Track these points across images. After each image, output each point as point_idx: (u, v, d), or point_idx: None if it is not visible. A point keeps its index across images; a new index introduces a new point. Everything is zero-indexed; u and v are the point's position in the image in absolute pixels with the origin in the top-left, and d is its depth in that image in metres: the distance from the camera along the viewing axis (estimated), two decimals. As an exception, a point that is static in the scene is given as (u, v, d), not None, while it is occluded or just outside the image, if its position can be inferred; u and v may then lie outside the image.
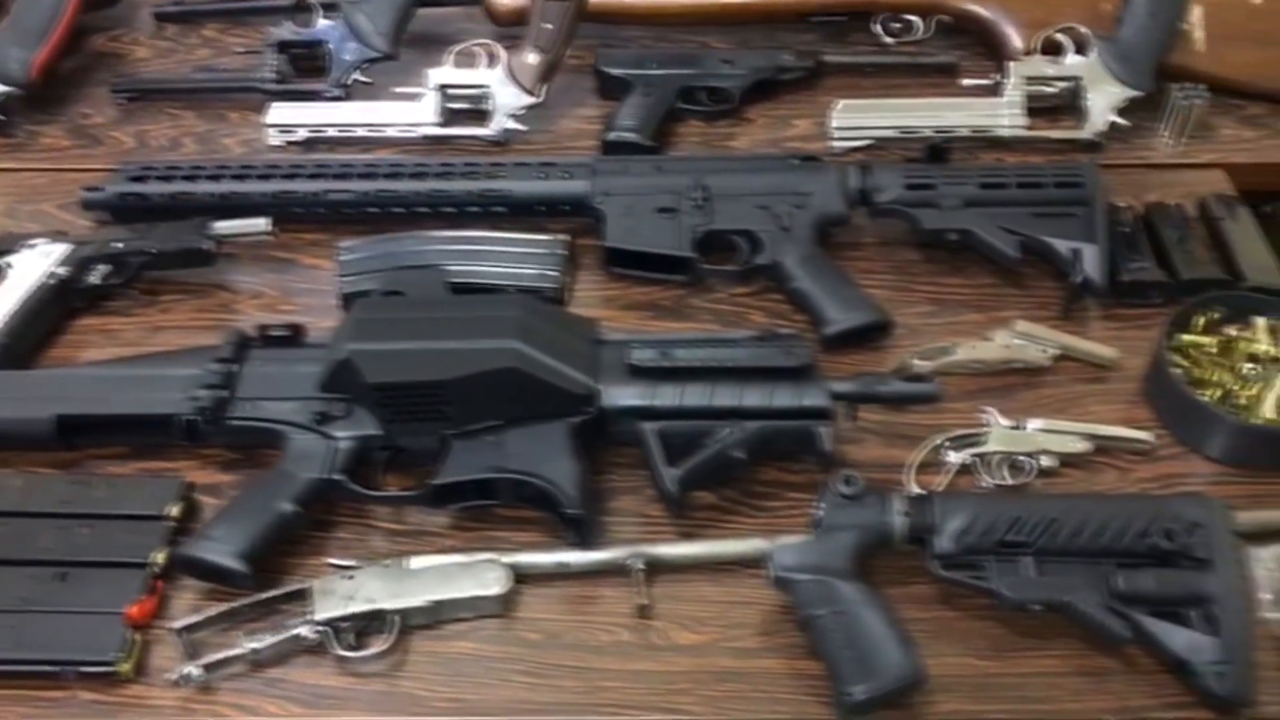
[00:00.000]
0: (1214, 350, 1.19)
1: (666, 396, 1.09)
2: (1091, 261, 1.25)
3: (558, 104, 1.54)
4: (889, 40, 1.58)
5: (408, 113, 1.48)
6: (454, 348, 1.06)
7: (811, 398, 1.09)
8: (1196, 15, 1.50)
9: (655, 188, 1.33)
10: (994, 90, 1.47)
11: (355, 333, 1.09)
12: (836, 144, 1.46)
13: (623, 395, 1.09)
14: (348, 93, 1.53)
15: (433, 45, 1.62)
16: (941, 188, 1.31)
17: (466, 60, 1.49)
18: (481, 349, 1.06)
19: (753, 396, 1.09)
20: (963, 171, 1.32)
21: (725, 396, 1.09)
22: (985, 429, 1.14)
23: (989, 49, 1.56)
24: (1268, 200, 1.51)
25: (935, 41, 1.60)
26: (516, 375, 1.05)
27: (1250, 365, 1.17)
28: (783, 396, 1.09)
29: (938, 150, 1.34)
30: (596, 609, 1.05)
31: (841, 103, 1.47)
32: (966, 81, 1.50)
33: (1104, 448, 1.15)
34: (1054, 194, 1.30)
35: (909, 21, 1.58)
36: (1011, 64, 1.46)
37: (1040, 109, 1.49)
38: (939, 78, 1.56)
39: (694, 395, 1.09)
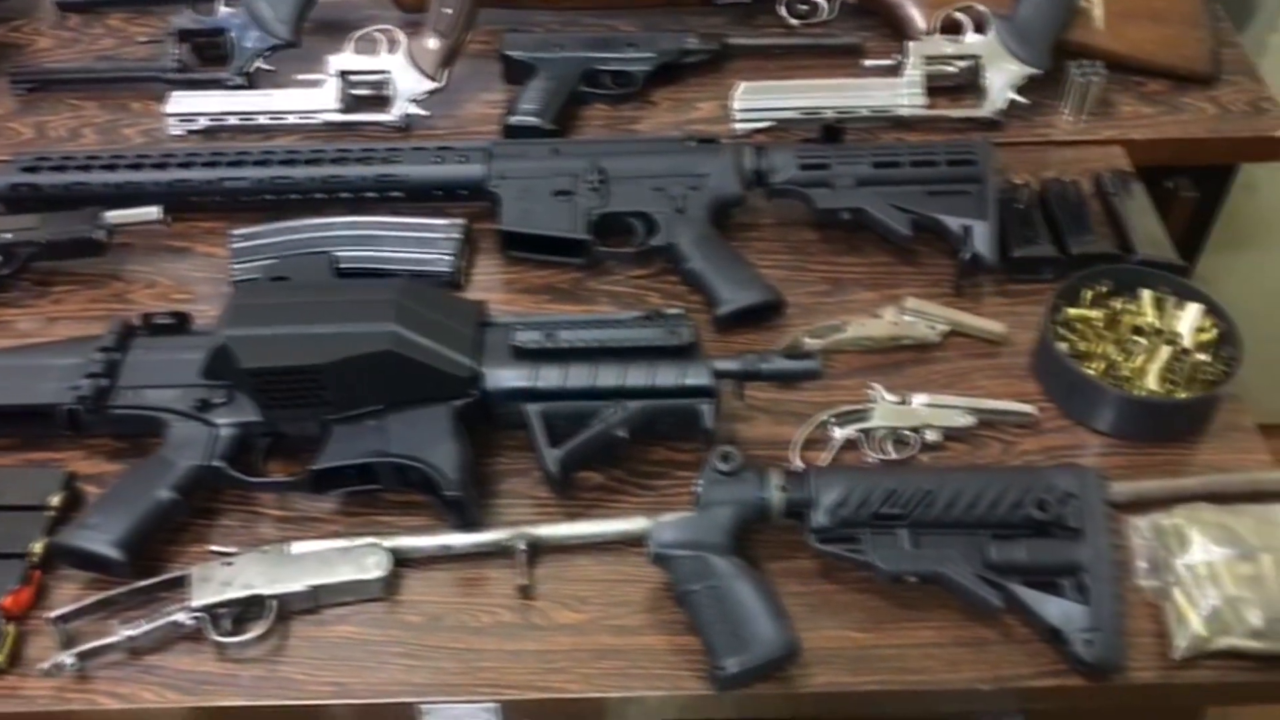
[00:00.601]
0: (1100, 323, 1.20)
1: (550, 378, 1.09)
2: (981, 238, 1.26)
3: (463, 89, 1.53)
4: (794, 22, 1.58)
5: (309, 100, 1.47)
6: (330, 331, 1.05)
7: (694, 376, 1.09)
8: (1095, -8, 1.52)
9: (552, 171, 1.33)
10: (895, 70, 1.48)
11: (233, 319, 1.08)
12: (739, 126, 1.46)
13: (506, 377, 1.09)
14: (250, 81, 1.52)
15: (337, 31, 1.60)
16: (835, 167, 1.32)
17: (368, 46, 1.48)
18: (358, 332, 1.05)
19: (636, 376, 1.09)
20: (856, 151, 1.33)
21: (609, 377, 1.09)
22: (871, 405, 1.15)
23: (893, 29, 1.57)
24: (1169, 175, 1.53)
25: (841, 22, 1.61)
26: (394, 358, 1.05)
27: (1135, 338, 1.18)
28: (666, 375, 1.09)
29: (832, 130, 1.34)
30: (481, 591, 1.05)
31: (742, 85, 1.47)
32: (868, 62, 1.51)
33: (988, 421, 1.16)
34: (947, 172, 1.31)
35: (814, 3, 1.59)
36: (911, 44, 1.47)
37: (942, 88, 1.50)
38: (844, 59, 1.56)
39: (577, 376, 1.09)
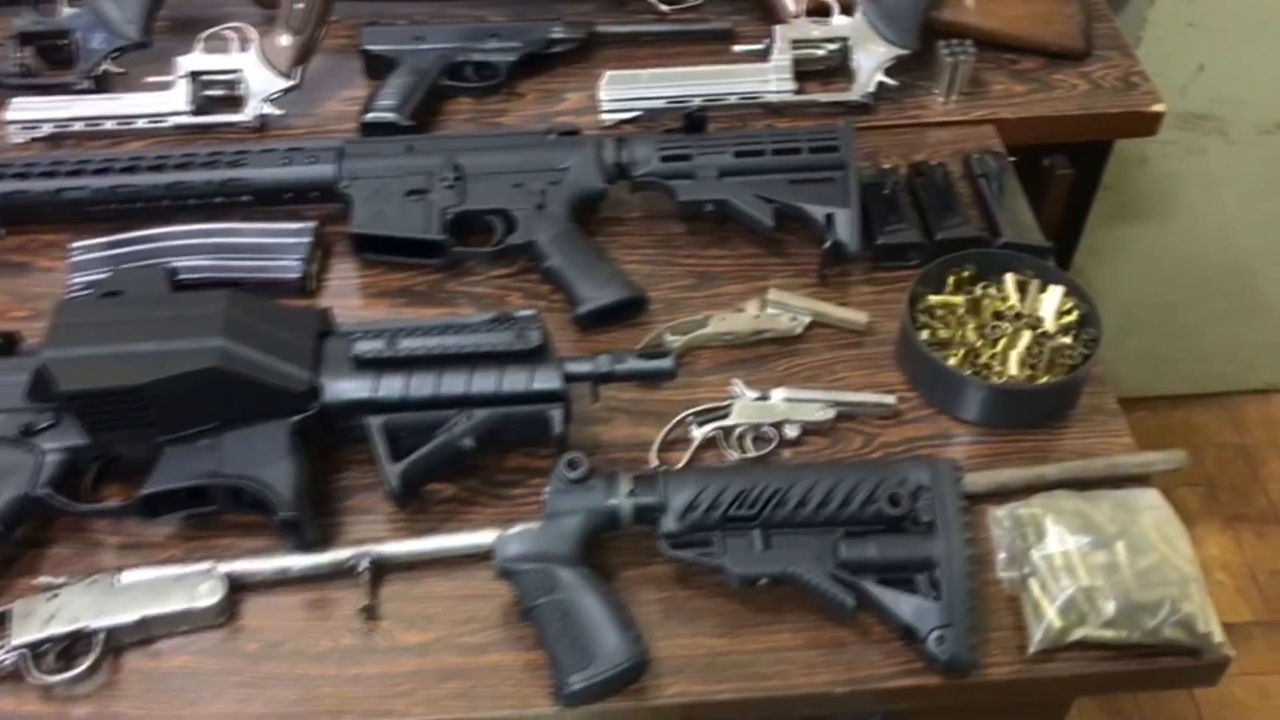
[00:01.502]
0: (962, 309, 1.18)
1: (391, 388, 1.05)
2: (844, 225, 1.24)
3: (322, 85, 1.48)
4: (665, 8, 1.54)
5: (158, 103, 1.41)
6: (153, 349, 1.00)
7: (543, 380, 1.06)
8: (965, -31, 1.49)
9: (405, 169, 1.28)
10: (765, 55, 1.45)
11: (53, 339, 1.03)
12: (605, 117, 1.43)
13: (346, 389, 1.05)
14: (99, 84, 1.46)
15: (193, 28, 1.54)
16: (697, 158, 1.28)
17: (219, 45, 1.43)
18: (183, 350, 1.01)
19: (482, 382, 1.05)
20: (719, 140, 1.30)
21: (453, 384, 1.05)
22: (731, 401, 1.12)
23: (765, 12, 1.54)
24: (1046, 153, 1.51)
25: (714, 7, 1.57)
26: (222, 375, 1.00)
27: (996, 323, 1.16)
28: (514, 380, 1.05)
29: (695, 120, 1.31)
30: (324, 614, 1.01)
31: (608, 74, 1.43)
32: (738, 48, 1.48)
33: (849, 414, 1.13)
34: (810, 159, 1.28)
35: (684, -12, 1.55)
36: (777, 28, 1.44)
37: (814, 72, 1.47)
38: (716, 44, 1.53)
39: (420, 385, 1.05)
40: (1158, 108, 1.45)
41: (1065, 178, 1.51)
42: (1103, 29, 1.54)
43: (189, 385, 1.00)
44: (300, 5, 1.41)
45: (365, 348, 1.06)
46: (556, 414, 1.05)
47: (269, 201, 1.30)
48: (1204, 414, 2.48)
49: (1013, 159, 1.43)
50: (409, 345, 1.06)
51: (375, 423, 1.04)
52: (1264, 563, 2.26)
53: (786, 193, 1.27)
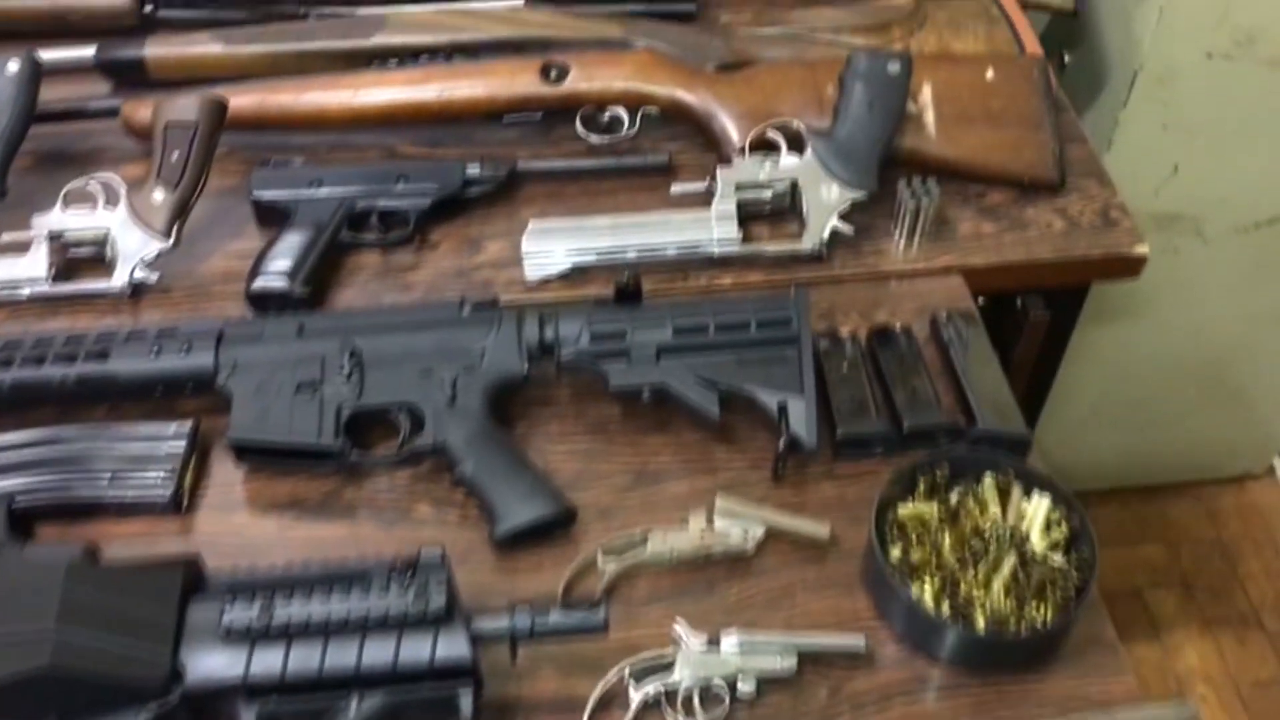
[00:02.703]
0: (936, 523, 1.03)
1: (266, 664, 0.88)
2: (800, 418, 1.08)
3: (207, 236, 1.31)
4: (595, 139, 1.38)
5: (12, 269, 1.23)
6: (-36, 646, 0.83)
7: (449, 646, 0.89)
8: (926, 94, 1.35)
9: (295, 357, 1.11)
10: (706, 197, 1.30)
11: None
12: (530, 274, 1.27)
13: (213, 667, 0.88)
14: (-54, 245, 1.28)
15: (66, 164, 1.38)
16: (631, 335, 1.13)
17: (84, 199, 1.25)
18: (4, 645, 0.83)
19: (376, 652, 0.88)
20: (655, 314, 1.14)
21: (341, 656, 0.88)
22: (674, 650, 0.97)
23: (706, 140, 1.38)
24: (1020, 292, 1.37)
25: (653, 132, 1.41)
26: (56, 675, 0.83)
27: (975, 541, 1.01)
28: (414, 648, 0.88)
29: (627, 290, 1.15)
30: None
31: (531, 224, 1.27)
32: (676, 188, 1.32)
33: (813, 656, 0.98)
34: (758, 335, 1.13)
35: (617, 115, 1.39)
36: (720, 171, 1.28)
37: (761, 214, 1.32)
38: (653, 178, 1.37)
39: (301, 659, 0.88)
40: (1140, 249, 1.32)
41: (1041, 323, 1.37)
42: (1077, 152, 1.40)
43: (13, 688, 0.82)
44: (176, 154, 1.23)
45: (236, 618, 0.88)
46: (465, 698, 0.88)
47: (137, 398, 1.12)
48: (1178, 505, 2.37)
49: (983, 300, 1.30)
50: (287, 614, 0.89)
51: (249, 712, 0.87)
52: (1247, 672, 2.14)
53: (734, 375, 1.12)
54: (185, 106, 1.23)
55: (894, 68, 1.28)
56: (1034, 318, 1.37)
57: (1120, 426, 2.18)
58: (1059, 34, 1.73)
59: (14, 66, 1.28)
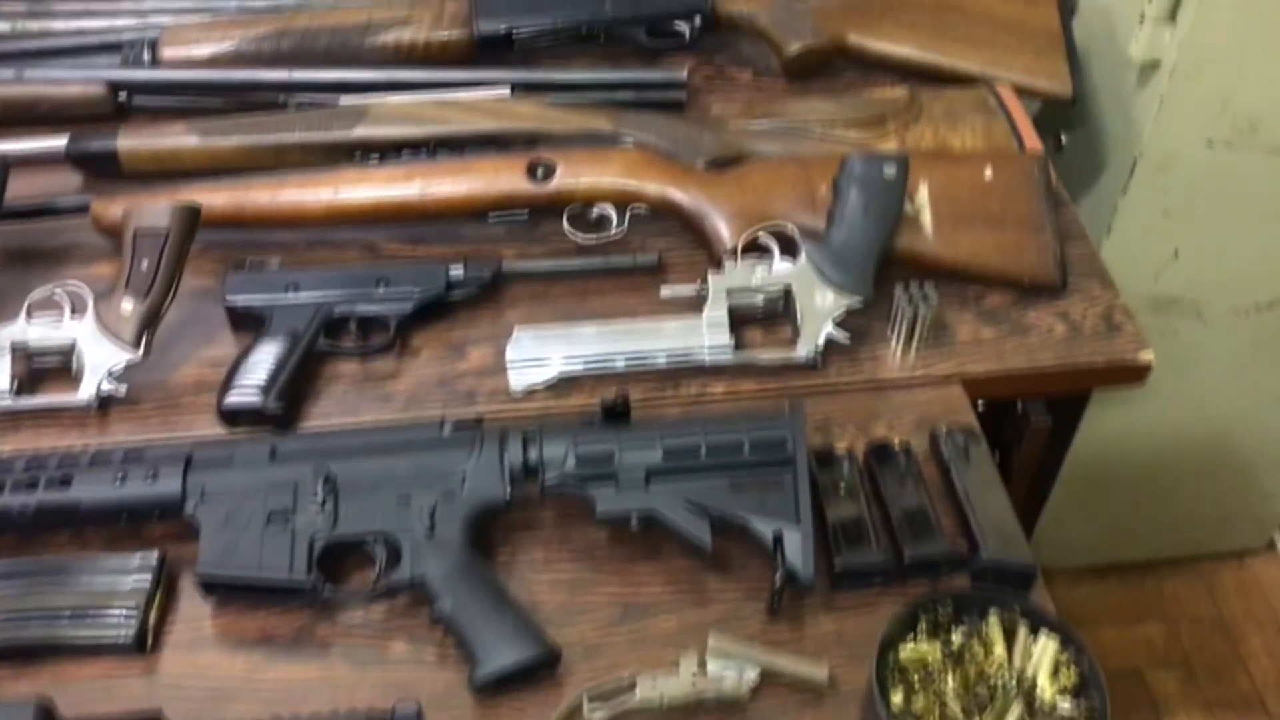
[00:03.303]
0: (938, 666, 0.98)
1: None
2: (796, 549, 1.03)
3: (179, 342, 1.26)
4: (582, 239, 1.34)
5: (-28, 382, 1.18)
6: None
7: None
8: (923, 195, 1.31)
9: (266, 483, 1.06)
10: (699, 300, 1.25)
11: None
12: (514, 385, 1.22)
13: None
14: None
15: (37, 264, 1.34)
16: (619, 458, 1.08)
17: (50, 306, 1.20)
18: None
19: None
20: (644, 434, 1.09)
21: (311, 831, 0.83)
22: (664, 809, 0.92)
23: (697, 239, 1.34)
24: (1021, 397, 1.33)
25: (644, 227, 1.37)
26: None
27: (980, 688, 0.96)
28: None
29: (615, 409, 1.10)
30: None
31: (516, 332, 1.23)
32: (666, 291, 1.27)
33: (811, 821, 0.93)
34: (751, 457, 1.08)
35: (605, 213, 1.35)
36: (710, 276, 1.24)
37: (755, 318, 1.28)
38: (642, 278, 1.33)
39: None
40: (1145, 357, 1.28)
41: (1042, 429, 1.33)
42: (1078, 250, 1.36)
43: None
44: (146, 264, 1.18)
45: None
46: None
47: (101, 524, 1.07)
48: (1177, 581, 2.32)
49: (983, 403, 1.26)
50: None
51: None
52: (1251, 757, 2.09)
53: (726, 501, 1.07)
54: (156, 213, 1.18)
55: (890, 171, 1.25)
56: (1035, 424, 1.33)
57: (1117, 501, 2.14)
58: (1056, 115, 1.70)
59: (-21, 168, 1.23)
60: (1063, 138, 1.73)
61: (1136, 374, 1.28)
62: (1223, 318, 1.82)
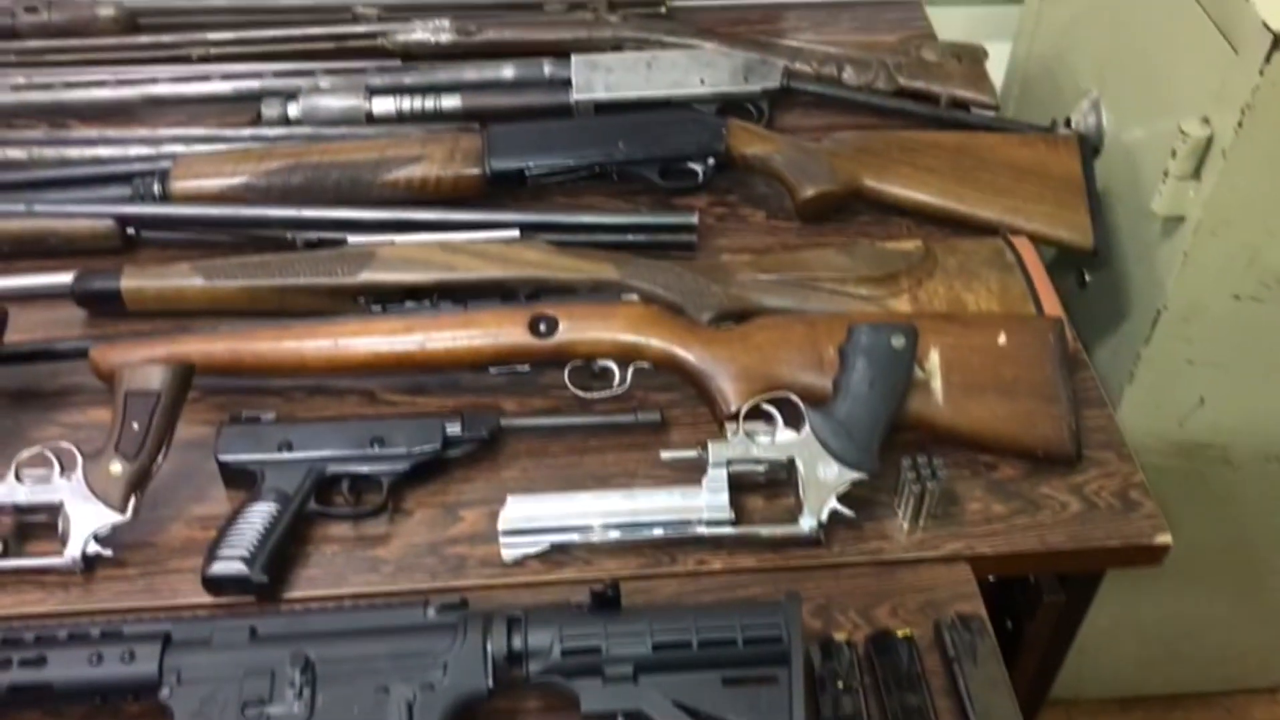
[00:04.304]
0: None
1: None
2: (788, 757, 0.99)
3: (170, 497, 1.24)
4: (583, 395, 1.31)
5: (-43, 542, 1.17)
6: None
7: None
8: (934, 360, 1.27)
9: (244, 667, 1.03)
10: (700, 462, 1.22)
11: None
12: (506, 555, 1.19)
13: None
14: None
15: (34, 406, 1.33)
16: (607, 650, 1.04)
17: (39, 463, 1.19)
18: None
19: None
20: (634, 625, 1.05)
21: None
22: None
23: (701, 397, 1.31)
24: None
25: (647, 380, 1.34)
26: None
27: None
28: None
29: (605, 598, 1.07)
30: None
31: (510, 502, 1.20)
32: (666, 455, 1.24)
33: None
34: (746, 653, 1.04)
35: (607, 367, 1.32)
36: (711, 445, 1.21)
37: (756, 484, 1.24)
38: (643, 436, 1.30)
39: None
40: (1163, 539, 1.23)
41: (1054, 605, 1.28)
42: (1095, 419, 1.32)
43: None
44: (136, 426, 1.17)
45: None
46: None
47: (75, 704, 1.05)
48: (1206, 716, 2.24)
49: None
50: None
51: None
52: None
53: (717, 700, 1.02)
54: (147, 375, 1.17)
55: (898, 341, 1.21)
56: (1047, 600, 1.28)
57: (1144, 635, 2.08)
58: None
59: (-23, 319, 1.23)
60: (1085, 276, 1.69)
61: (1153, 555, 1.23)
62: (1252, 462, 1.76)
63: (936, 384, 1.27)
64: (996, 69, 1.88)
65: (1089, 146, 1.56)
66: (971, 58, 1.73)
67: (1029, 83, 1.95)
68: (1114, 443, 1.30)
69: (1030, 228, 1.48)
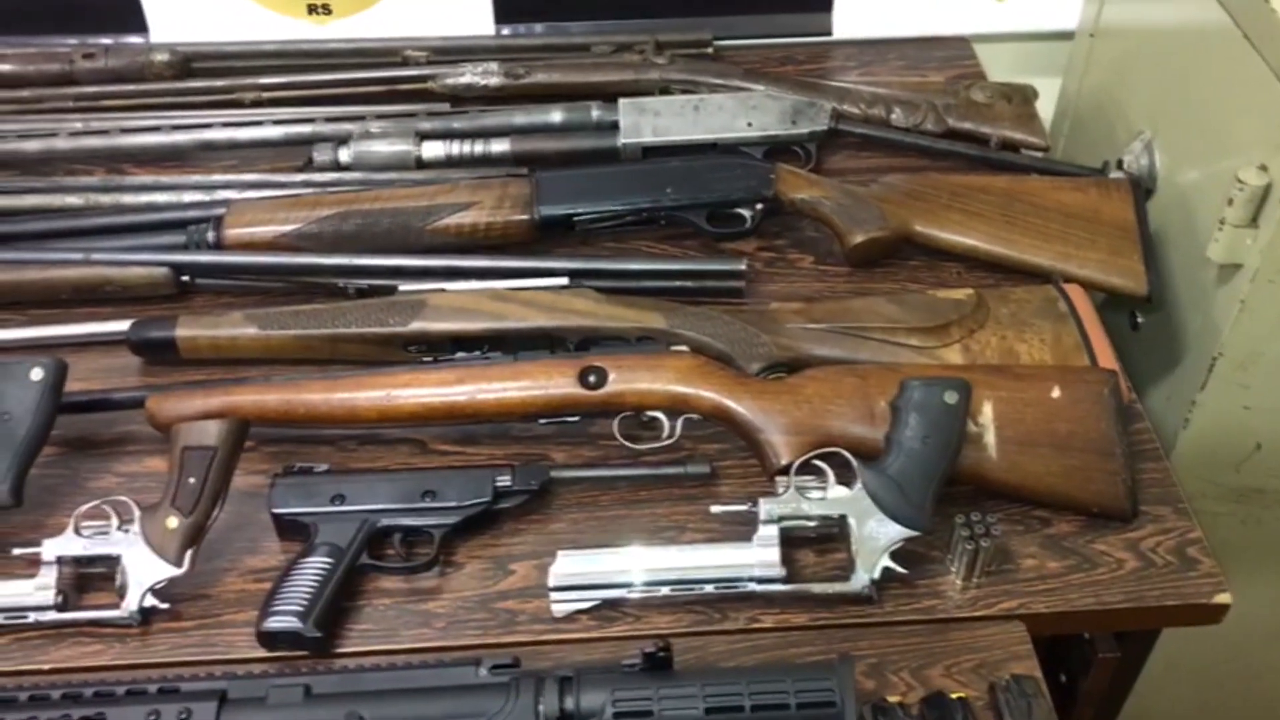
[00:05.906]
0: None
1: None
2: (841, 827, 0.99)
3: (225, 548, 1.25)
4: (632, 446, 1.31)
5: (18, 592, 1.18)
6: None
7: None
8: (987, 414, 1.26)
9: (299, 726, 1.04)
10: (750, 516, 1.22)
11: None
12: (556, 610, 1.19)
13: None
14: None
15: (92, 455, 1.35)
16: (659, 712, 1.04)
17: (98, 516, 1.20)
18: None
19: None
20: (686, 687, 1.05)
21: None
22: None
23: (752, 451, 1.30)
24: (1086, 625, 1.27)
25: (696, 431, 1.34)
26: None
27: None
28: None
29: (657, 658, 1.07)
30: None
31: (560, 558, 1.20)
32: (716, 509, 1.24)
33: None
34: (798, 716, 1.03)
35: (656, 419, 1.32)
36: (762, 503, 1.20)
37: (807, 538, 1.24)
38: (694, 488, 1.30)
39: None
40: (1221, 599, 1.21)
41: (1109, 661, 1.26)
42: (1151, 473, 1.31)
43: None
44: (193, 481, 1.18)
45: None
46: None
47: (134, 763, 1.06)
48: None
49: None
50: None
51: None
52: None
53: (769, 764, 1.02)
54: (204, 431, 1.19)
55: (951, 397, 1.20)
56: (1103, 656, 1.26)
57: (1201, 681, 2.04)
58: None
59: (39, 373, 1.24)
60: (1138, 316, 1.67)
61: (1212, 615, 1.21)
62: (1310, 507, 1.73)
63: (989, 438, 1.26)
64: (1045, 105, 1.87)
65: (1142, 190, 1.55)
66: (1021, 98, 1.72)
67: (1079, 121, 1.93)
68: (1170, 498, 1.29)
69: (1083, 274, 1.47)
